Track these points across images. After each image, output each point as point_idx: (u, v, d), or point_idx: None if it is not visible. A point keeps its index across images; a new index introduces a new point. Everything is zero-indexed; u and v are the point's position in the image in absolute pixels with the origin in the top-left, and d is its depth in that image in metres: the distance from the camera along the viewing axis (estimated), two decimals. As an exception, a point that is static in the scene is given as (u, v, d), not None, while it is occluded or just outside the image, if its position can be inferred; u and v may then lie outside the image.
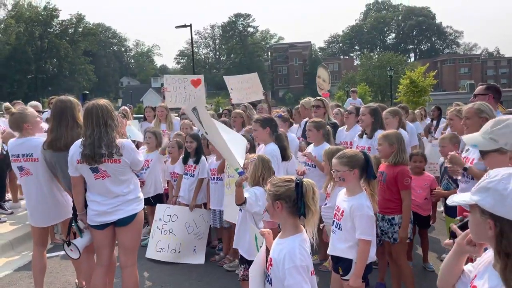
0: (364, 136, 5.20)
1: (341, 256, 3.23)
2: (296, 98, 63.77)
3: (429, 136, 8.56)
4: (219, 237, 5.77)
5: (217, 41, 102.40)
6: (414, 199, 4.46)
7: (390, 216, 4.03)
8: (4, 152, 6.60)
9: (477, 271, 1.63)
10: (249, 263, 3.23)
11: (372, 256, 3.23)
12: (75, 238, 3.76)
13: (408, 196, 3.99)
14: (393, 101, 32.03)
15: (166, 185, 6.38)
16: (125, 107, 9.11)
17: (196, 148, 5.62)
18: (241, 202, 3.49)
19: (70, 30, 79.41)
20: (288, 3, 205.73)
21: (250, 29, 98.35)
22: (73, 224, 3.77)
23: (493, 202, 1.45)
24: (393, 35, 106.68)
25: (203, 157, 5.65)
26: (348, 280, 3.18)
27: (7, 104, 5.60)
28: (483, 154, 2.93)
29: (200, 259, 5.44)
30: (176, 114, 8.84)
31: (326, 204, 4.10)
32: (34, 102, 8.53)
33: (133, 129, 6.64)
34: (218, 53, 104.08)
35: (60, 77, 74.46)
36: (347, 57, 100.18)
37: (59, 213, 4.11)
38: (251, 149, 4.94)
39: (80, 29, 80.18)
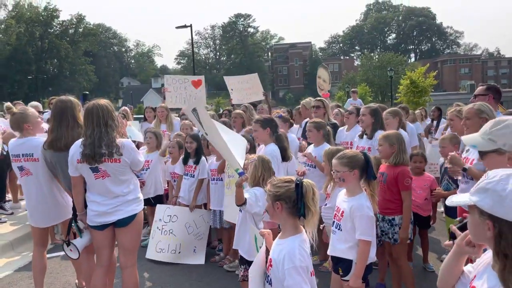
0: (364, 136, 5.21)
1: (341, 256, 3.23)
2: (296, 99, 63.81)
3: (429, 136, 8.57)
4: (219, 237, 5.77)
5: (218, 41, 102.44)
6: (414, 199, 4.46)
7: (390, 216, 4.03)
8: (5, 153, 6.61)
9: (477, 272, 1.63)
10: (249, 263, 3.22)
11: (372, 256, 3.23)
12: (75, 238, 3.76)
13: (408, 196, 4.00)
14: (393, 102, 32.02)
15: (166, 185, 6.38)
16: (126, 108, 9.11)
17: (196, 149, 5.62)
18: (241, 202, 3.49)
19: (70, 31, 79.41)
20: (288, 3, 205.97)
21: (251, 30, 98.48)
22: (73, 224, 3.77)
23: (491, 203, 1.45)
24: (394, 35, 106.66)
25: (203, 158, 5.65)
26: (348, 280, 3.18)
27: (8, 103, 5.61)
28: (482, 154, 2.93)
29: (200, 259, 5.44)
30: (177, 115, 8.84)
31: (326, 204, 4.10)
32: (34, 103, 8.54)
33: (133, 130, 6.64)
34: (218, 53, 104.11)
35: (60, 78, 74.48)
36: (348, 57, 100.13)
37: (59, 214, 4.12)
38: (252, 149, 4.94)
39: (81, 30, 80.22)
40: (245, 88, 8.48)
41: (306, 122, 5.93)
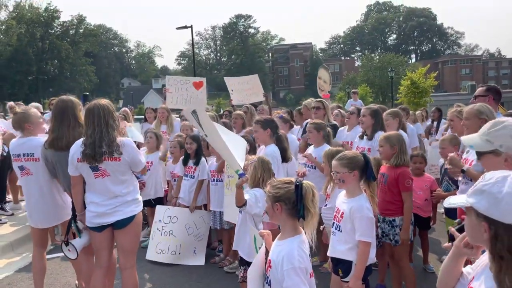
0: (364, 137, 5.21)
1: (341, 257, 3.23)
2: (297, 99, 63.81)
3: (429, 137, 8.56)
4: (219, 238, 5.77)
5: (218, 42, 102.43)
6: (414, 200, 4.44)
7: (391, 218, 4.03)
8: (5, 154, 6.61)
9: (475, 273, 1.63)
10: (249, 264, 3.21)
11: (372, 257, 3.23)
12: (74, 238, 3.77)
13: (409, 197, 3.99)
14: (394, 102, 32.02)
15: (166, 185, 6.38)
16: (126, 109, 9.13)
17: (196, 150, 5.62)
18: (241, 204, 3.49)
19: (71, 31, 79.37)
20: (288, 3, 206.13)
21: (251, 30, 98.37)
22: (72, 225, 3.78)
23: (487, 205, 1.45)
24: (394, 36, 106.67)
25: (203, 159, 5.65)
26: (348, 282, 3.17)
27: (11, 103, 5.63)
28: (479, 155, 2.93)
29: (200, 260, 5.44)
30: (177, 115, 8.85)
31: (326, 205, 4.10)
32: (34, 104, 8.55)
33: (134, 130, 6.66)
34: (219, 54, 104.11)
35: (61, 78, 74.43)
36: (348, 58, 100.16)
37: (58, 214, 4.11)
38: (252, 150, 4.94)
39: (81, 30, 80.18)
40: (245, 89, 8.47)
41: (307, 123, 5.93)
